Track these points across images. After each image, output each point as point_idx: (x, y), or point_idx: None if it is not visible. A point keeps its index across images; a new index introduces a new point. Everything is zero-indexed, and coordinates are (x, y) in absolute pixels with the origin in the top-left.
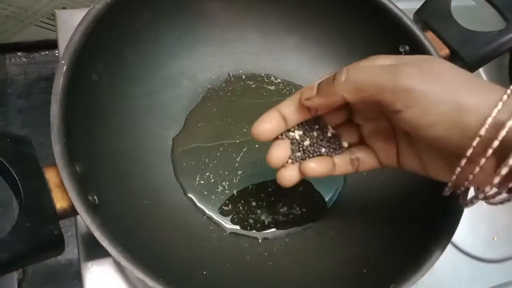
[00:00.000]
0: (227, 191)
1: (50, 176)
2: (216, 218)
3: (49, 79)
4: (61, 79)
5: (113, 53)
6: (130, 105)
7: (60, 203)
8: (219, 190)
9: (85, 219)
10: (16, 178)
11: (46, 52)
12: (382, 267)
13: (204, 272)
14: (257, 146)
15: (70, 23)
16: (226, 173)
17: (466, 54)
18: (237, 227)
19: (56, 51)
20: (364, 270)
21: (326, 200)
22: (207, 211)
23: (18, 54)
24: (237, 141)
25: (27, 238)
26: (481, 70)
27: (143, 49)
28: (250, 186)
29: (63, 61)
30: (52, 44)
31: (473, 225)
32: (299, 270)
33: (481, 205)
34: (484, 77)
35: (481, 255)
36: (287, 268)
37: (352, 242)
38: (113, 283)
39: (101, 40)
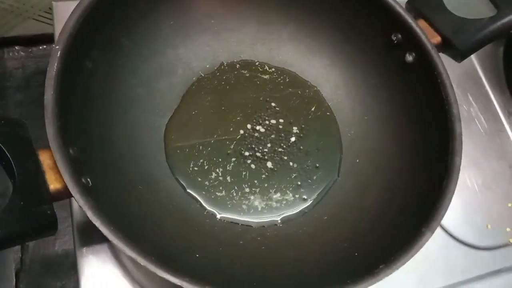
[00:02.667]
0: (221, 178)
1: (44, 158)
2: (210, 204)
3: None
4: (55, 64)
5: (109, 41)
6: (124, 92)
7: (53, 185)
8: (212, 176)
9: (77, 200)
10: (10, 159)
11: (44, 46)
12: (374, 250)
13: (197, 255)
14: (250, 133)
15: (67, 15)
16: (220, 160)
17: (458, 41)
18: (231, 213)
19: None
20: (356, 254)
21: (320, 189)
22: (200, 198)
23: (16, 48)
24: (231, 129)
25: (21, 216)
26: (475, 61)
27: (138, 37)
28: (243, 173)
29: (57, 46)
30: (50, 38)
31: (467, 213)
32: (291, 255)
33: (475, 193)
34: (479, 68)
35: (475, 242)
36: (280, 252)
37: (344, 227)
38: (108, 270)
39: (97, 27)
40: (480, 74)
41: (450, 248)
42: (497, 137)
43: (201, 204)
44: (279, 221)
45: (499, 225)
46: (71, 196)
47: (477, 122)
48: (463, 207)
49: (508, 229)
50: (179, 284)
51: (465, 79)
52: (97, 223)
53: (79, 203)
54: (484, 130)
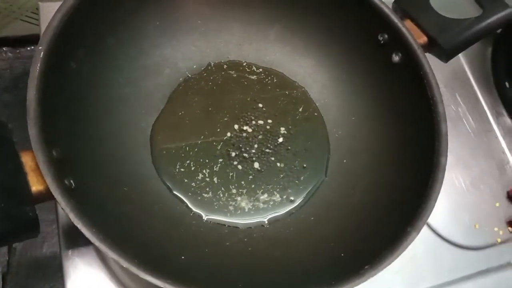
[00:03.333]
0: (208, 179)
1: (27, 160)
2: (196, 206)
3: None
4: (38, 64)
5: (94, 41)
6: (110, 92)
7: (36, 186)
8: (199, 177)
9: (60, 201)
10: None
11: (32, 47)
12: (360, 250)
13: (182, 257)
14: (237, 134)
15: None
16: (207, 161)
17: (444, 41)
18: (217, 214)
19: None
20: (342, 254)
21: (307, 190)
22: (186, 199)
23: (4, 49)
24: (218, 130)
25: (1, 218)
26: (463, 61)
27: (124, 37)
28: (230, 174)
29: (40, 47)
30: (38, 39)
31: (455, 212)
32: (277, 255)
33: (463, 192)
34: (467, 69)
35: (463, 242)
36: (266, 253)
37: (331, 227)
38: (94, 272)
39: (81, 27)
40: (468, 74)
41: (437, 247)
42: (485, 136)
43: (187, 206)
44: (266, 222)
45: (487, 224)
46: (54, 198)
47: (465, 122)
48: (451, 207)
49: (496, 229)
50: (161, 286)
51: (453, 79)
52: (79, 225)
53: (61, 205)
54: (472, 129)
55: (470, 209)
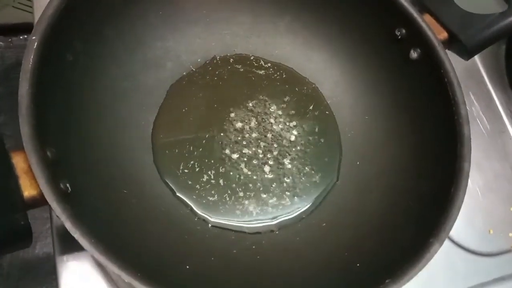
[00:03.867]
0: (213, 181)
1: (18, 161)
2: (201, 209)
3: None
4: (31, 56)
5: (91, 31)
6: (108, 87)
7: (28, 191)
8: (204, 179)
9: (54, 208)
10: None
11: (25, 36)
12: (377, 261)
13: (187, 267)
14: (244, 133)
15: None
16: (212, 161)
17: (466, 38)
18: (223, 218)
19: None
20: (358, 264)
21: (318, 194)
22: (190, 202)
23: None
24: (224, 128)
25: None
26: (477, 59)
27: (124, 27)
28: (237, 176)
29: (34, 37)
30: (30, 28)
31: (469, 217)
32: (288, 265)
33: (476, 196)
34: (481, 67)
35: (477, 248)
36: (275, 262)
37: (344, 235)
38: (90, 278)
39: (78, 16)
40: (482, 73)
41: (450, 254)
42: (499, 137)
43: (191, 209)
44: (275, 228)
45: (501, 230)
46: (48, 203)
47: (478, 122)
48: (463, 211)
49: (510, 234)
50: None
51: (467, 77)
52: (76, 234)
53: (56, 212)
54: (485, 130)
55: (484, 214)
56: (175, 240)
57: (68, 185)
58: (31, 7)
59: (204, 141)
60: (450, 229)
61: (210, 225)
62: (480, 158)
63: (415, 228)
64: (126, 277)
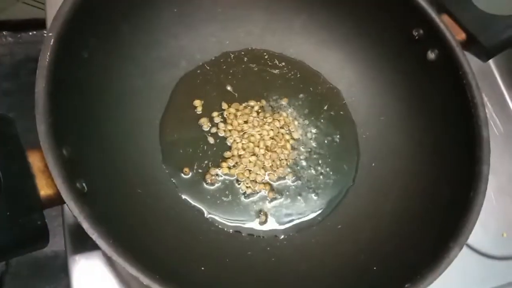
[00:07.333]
0: (227, 181)
1: (34, 160)
2: (215, 210)
3: (37, 61)
4: (48, 53)
5: (107, 29)
6: (123, 85)
7: (44, 190)
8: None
9: (72, 209)
10: None
11: (34, 32)
12: (395, 265)
13: (202, 268)
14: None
15: None
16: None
17: (485, 39)
18: (238, 220)
19: (45, 31)
20: (375, 268)
21: (334, 195)
22: (204, 203)
23: (4, 33)
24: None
25: (7, 228)
26: (492, 63)
27: (140, 26)
28: None
29: (50, 33)
30: (40, 24)
31: (482, 220)
32: (303, 267)
33: (489, 199)
34: (494, 69)
35: (490, 252)
36: (290, 264)
37: (361, 238)
38: (102, 277)
39: (94, 12)
40: (496, 74)
41: (463, 257)
42: None
43: (206, 210)
44: (290, 230)
45: None
46: (64, 203)
47: (492, 124)
48: None
49: None
50: None
51: (480, 79)
52: (94, 235)
53: (74, 213)
54: (499, 132)
55: (497, 217)
56: (190, 242)
57: (84, 184)
58: (42, 3)
59: (218, 140)
60: (470, 233)
61: (226, 228)
62: (494, 160)
63: (434, 232)
64: (144, 280)
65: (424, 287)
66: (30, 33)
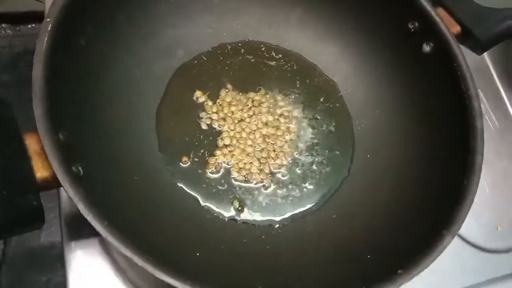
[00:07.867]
0: (223, 170)
1: (31, 142)
2: (210, 199)
3: None
4: (45, 38)
5: (105, 17)
6: (120, 74)
7: (40, 172)
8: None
9: (67, 190)
10: None
11: (33, 25)
12: (388, 252)
13: (197, 254)
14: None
15: None
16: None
17: (480, 32)
18: (233, 208)
19: None
20: (369, 256)
21: (329, 186)
22: (199, 191)
23: (3, 25)
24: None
25: (3, 207)
26: (486, 56)
27: (136, 15)
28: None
29: (48, 19)
30: (39, 16)
31: (476, 213)
32: (298, 255)
33: (484, 192)
34: (491, 66)
35: (484, 244)
36: (285, 253)
37: (355, 227)
38: (98, 266)
39: (92, 1)
40: (491, 70)
41: (457, 250)
42: (508, 134)
43: (201, 199)
44: (285, 219)
45: (509, 226)
46: (60, 186)
47: (487, 119)
48: (471, 207)
49: None
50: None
51: (475, 74)
52: (89, 217)
53: (69, 194)
54: (494, 127)
55: (492, 210)
56: (186, 227)
57: (80, 168)
58: None
59: (214, 130)
60: (463, 221)
61: (221, 216)
62: (489, 155)
63: (427, 221)
64: (138, 261)
65: (417, 273)
66: (29, 26)
